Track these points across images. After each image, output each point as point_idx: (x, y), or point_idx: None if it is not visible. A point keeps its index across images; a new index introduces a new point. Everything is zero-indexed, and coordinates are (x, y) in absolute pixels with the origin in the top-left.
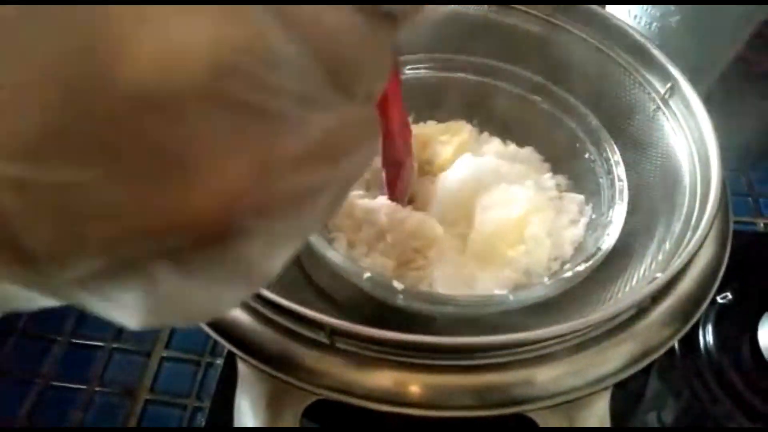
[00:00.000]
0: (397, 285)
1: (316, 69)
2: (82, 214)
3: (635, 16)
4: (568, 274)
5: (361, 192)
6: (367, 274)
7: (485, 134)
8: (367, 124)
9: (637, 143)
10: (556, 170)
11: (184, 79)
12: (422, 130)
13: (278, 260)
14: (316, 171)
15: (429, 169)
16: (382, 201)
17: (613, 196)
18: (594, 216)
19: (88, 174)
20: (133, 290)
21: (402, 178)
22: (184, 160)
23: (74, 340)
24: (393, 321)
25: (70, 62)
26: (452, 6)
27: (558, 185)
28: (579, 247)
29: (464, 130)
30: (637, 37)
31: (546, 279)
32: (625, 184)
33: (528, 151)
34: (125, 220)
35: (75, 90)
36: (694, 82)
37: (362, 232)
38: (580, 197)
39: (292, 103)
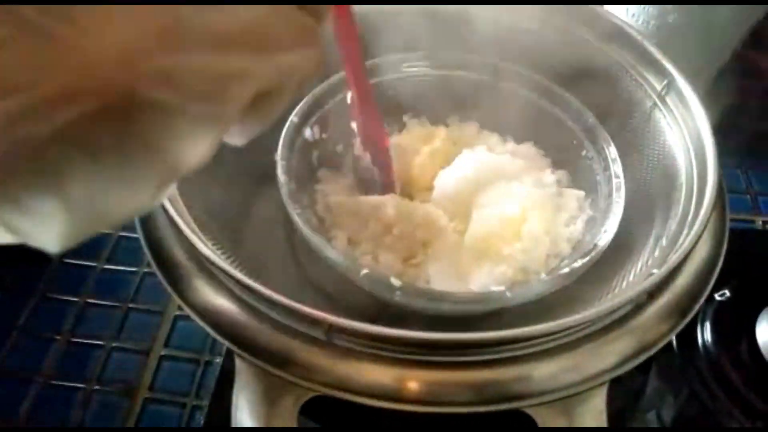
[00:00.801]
0: (395, 282)
1: None
2: None
3: (633, 14)
4: (566, 270)
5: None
6: (365, 271)
7: (485, 132)
8: (302, 30)
9: (634, 140)
10: (557, 166)
11: None
12: (399, 141)
13: (195, 149)
14: (232, 55)
15: (410, 190)
16: (389, 195)
17: (610, 193)
18: (591, 213)
19: None
20: (42, 189)
21: (388, 155)
22: (72, 8)
23: (73, 339)
24: (391, 317)
25: None
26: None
27: (559, 181)
28: (576, 244)
29: (438, 137)
30: (635, 34)
31: (543, 275)
32: (622, 180)
33: (527, 147)
34: (14, 90)
35: None
36: (691, 79)
37: (368, 228)
38: (580, 193)
39: None
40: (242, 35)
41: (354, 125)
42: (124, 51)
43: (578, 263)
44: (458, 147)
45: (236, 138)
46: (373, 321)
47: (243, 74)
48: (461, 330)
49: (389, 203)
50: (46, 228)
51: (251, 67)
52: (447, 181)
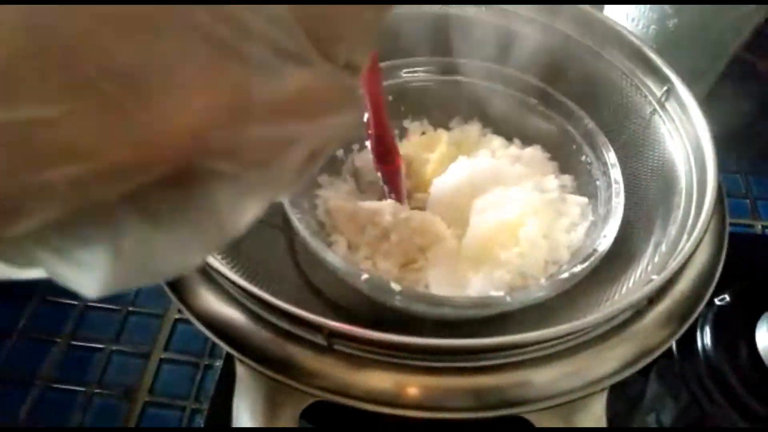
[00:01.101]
0: (395, 286)
1: (297, 24)
2: (42, 153)
3: (633, 19)
4: (565, 275)
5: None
6: (365, 276)
7: (488, 134)
8: (347, 91)
9: (633, 146)
10: (563, 170)
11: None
12: (402, 149)
13: (246, 213)
14: (290, 124)
15: (417, 192)
16: (387, 202)
17: (609, 198)
18: (591, 218)
19: (49, 109)
20: (95, 244)
21: (398, 171)
22: (151, 85)
23: (73, 342)
24: (391, 323)
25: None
26: (451, 8)
27: (563, 186)
28: (576, 250)
29: (441, 141)
30: (634, 40)
31: (543, 280)
32: (622, 186)
33: (533, 150)
34: (88, 157)
35: (32, 15)
36: (691, 85)
37: (366, 233)
38: (583, 200)
39: (270, 51)
40: (296, 103)
41: (368, 143)
42: (194, 129)
43: (578, 268)
44: (462, 150)
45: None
46: (373, 327)
47: (297, 140)
48: (461, 336)
49: (387, 209)
50: (88, 277)
51: (305, 133)
52: (442, 188)
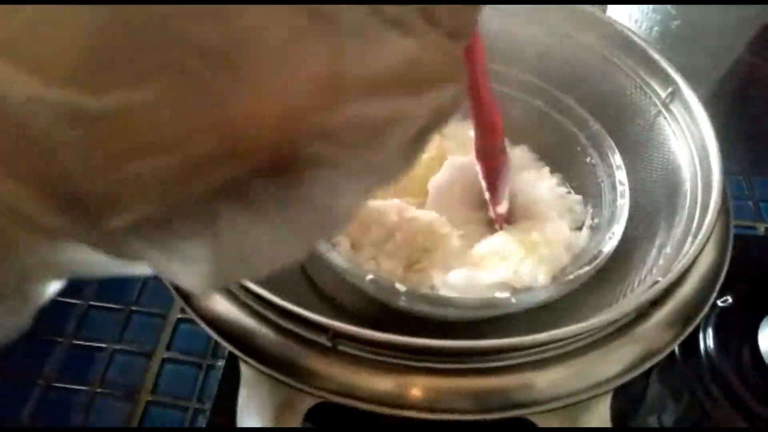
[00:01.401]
0: (400, 287)
1: None
2: (139, 142)
3: (636, 21)
4: (570, 277)
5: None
6: (370, 276)
7: None
8: (453, 61)
9: (638, 148)
10: (553, 170)
11: None
12: None
13: (349, 201)
14: (393, 100)
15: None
16: (393, 201)
17: (614, 200)
18: (596, 220)
19: (142, 93)
20: (195, 237)
21: (501, 168)
22: (240, 63)
23: (76, 342)
24: (395, 324)
25: None
26: None
27: (560, 185)
28: (581, 251)
29: (431, 145)
30: (638, 41)
31: (547, 282)
32: (627, 187)
33: (520, 150)
34: (179, 147)
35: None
36: (695, 86)
37: (371, 232)
38: (578, 197)
39: (370, 16)
40: (397, 77)
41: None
42: (286, 109)
43: (583, 270)
44: (457, 150)
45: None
46: (377, 328)
47: (400, 119)
48: (465, 337)
49: (392, 209)
50: (193, 271)
51: (408, 109)
52: (438, 187)
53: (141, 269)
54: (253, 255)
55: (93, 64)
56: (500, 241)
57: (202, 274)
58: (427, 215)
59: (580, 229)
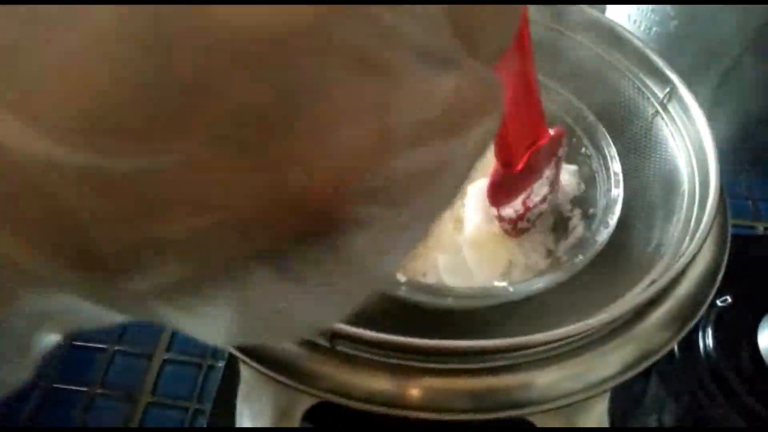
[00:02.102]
0: (400, 277)
1: (444, 18)
2: (162, 207)
3: (634, 21)
4: (567, 266)
5: None
6: None
7: None
8: (493, 90)
9: (635, 147)
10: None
11: (286, 19)
12: None
13: (391, 260)
14: (438, 144)
15: None
16: None
17: (609, 190)
18: (591, 210)
19: (169, 156)
20: (222, 303)
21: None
22: (286, 126)
23: (76, 343)
24: (394, 324)
25: (142, 11)
26: None
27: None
28: (577, 241)
29: None
30: (636, 41)
31: (544, 271)
32: (621, 177)
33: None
34: (215, 211)
35: (152, 41)
36: (693, 86)
37: None
38: (572, 167)
39: (414, 56)
40: (443, 118)
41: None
42: (336, 174)
43: (578, 259)
44: None
45: None
46: (376, 328)
47: (450, 161)
48: (464, 337)
49: None
50: (212, 331)
51: (457, 150)
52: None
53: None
54: (283, 321)
55: (116, 122)
56: (490, 227)
57: (223, 333)
58: None
59: (575, 219)
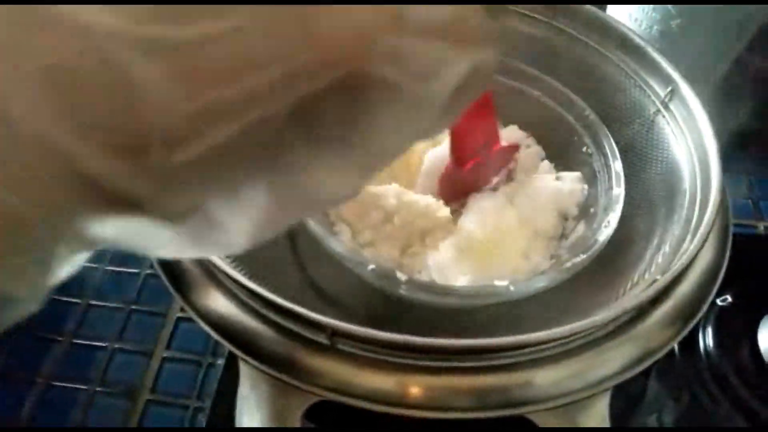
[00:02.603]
0: (401, 276)
1: None
2: (217, 70)
3: (636, 20)
4: (567, 264)
5: None
6: (372, 266)
7: None
8: (491, 31)
9: (637, 146)
10: (549, 160)
11: None
12: None
13: (399, 140)
14: (443, 45)
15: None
16: (392, 186)
17: (610, 188)
18: (592, 209)
19: (221, 23)
20: (256, 172)
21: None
22: None
23: (75, 341)
24: (395, 322)
25: None
26: None
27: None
28: (577, 240)
29: None
30: (638, 40)
31: (545, 269)
32: (622, 176)
33: (511, 130)
34: (264, 69)
35: None
36: (694, 85)
37: (369, 216)
38: (576, 174)
39: None
40: (446, 28)
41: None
42: (361, 28)
43: (579, 258)
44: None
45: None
46: (376, 326)
47: (448, 62)
48: (465, 336)
49: (391, 192)
50: (246, 217)
51: (454, 56)
52: (436, 159)
53: (161, 250)
54: (311, 189)
55: None
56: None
57: (254, 220)
58: (425, 199)
59: (576, 218)
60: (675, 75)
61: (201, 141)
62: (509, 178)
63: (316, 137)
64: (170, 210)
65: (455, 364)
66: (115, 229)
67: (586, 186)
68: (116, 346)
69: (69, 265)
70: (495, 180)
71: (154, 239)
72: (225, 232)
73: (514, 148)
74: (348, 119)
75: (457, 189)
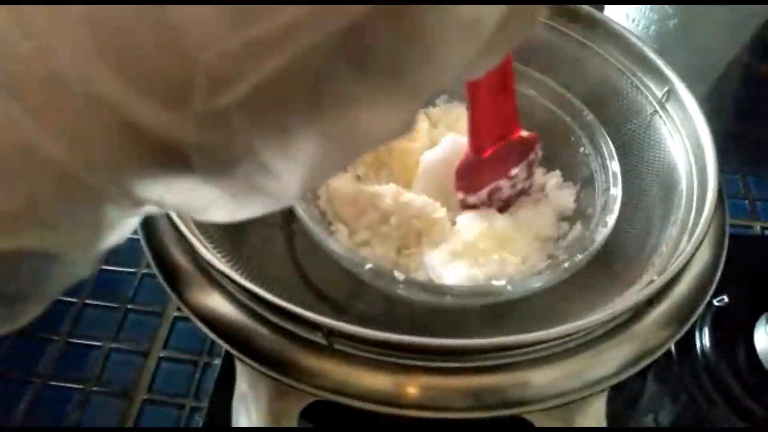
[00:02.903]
0: (398, 275)
1: None
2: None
3: (633, 20)
4: (564, 265)
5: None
6: (369, 266)
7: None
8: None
9: (634, 147)
10: (547, 160)
11: None
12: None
13: (448, 68)
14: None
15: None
16: (389, 186)
17: (607, 188)
18: (589, 209)
19: None
20: (302, 112)
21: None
22: None
23: (71, 340)
24: (392, 322)
25: None
26: None
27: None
28: (574, 240)
29: (420, 130)
30: (635, 40)
31: (542, 270)
32: (619, 176)
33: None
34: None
35: None
36: (691, 85)
37: (366, 217)
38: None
39: None
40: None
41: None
42: None
43: (576, 258)
44: (439, 129)
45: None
46: (374, 326)
47: (480, 18)
48: (462, 336)
49: (388, 193)
50: (294, 163)
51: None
52: (431, 162)
53: (207, 211)
54: (361, 127)
55: None
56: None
57: (305, 164)
58: (421, 199)
59: (572, 218)
60: (672, 75)
61: (248, 78)
62: (530, 172)
63: (366, 67)
64: (219, 158)
65: (452, 364)
66: (163, 188)
67: (573, 196)
68: (112, 345)
69: (119, 230)
70: (514, 171)
71: (201, 198)
72: (276, 179)
73: (534, 138)
74: (399, 45)
75: (476, 179)
